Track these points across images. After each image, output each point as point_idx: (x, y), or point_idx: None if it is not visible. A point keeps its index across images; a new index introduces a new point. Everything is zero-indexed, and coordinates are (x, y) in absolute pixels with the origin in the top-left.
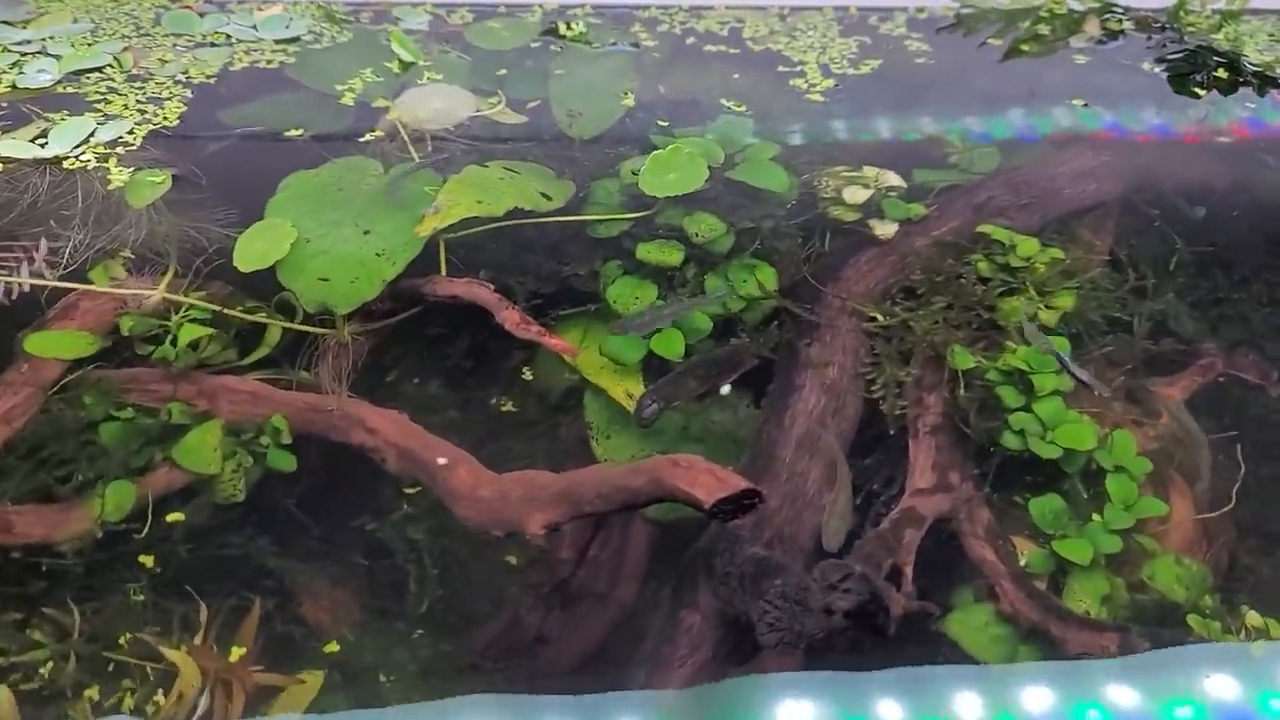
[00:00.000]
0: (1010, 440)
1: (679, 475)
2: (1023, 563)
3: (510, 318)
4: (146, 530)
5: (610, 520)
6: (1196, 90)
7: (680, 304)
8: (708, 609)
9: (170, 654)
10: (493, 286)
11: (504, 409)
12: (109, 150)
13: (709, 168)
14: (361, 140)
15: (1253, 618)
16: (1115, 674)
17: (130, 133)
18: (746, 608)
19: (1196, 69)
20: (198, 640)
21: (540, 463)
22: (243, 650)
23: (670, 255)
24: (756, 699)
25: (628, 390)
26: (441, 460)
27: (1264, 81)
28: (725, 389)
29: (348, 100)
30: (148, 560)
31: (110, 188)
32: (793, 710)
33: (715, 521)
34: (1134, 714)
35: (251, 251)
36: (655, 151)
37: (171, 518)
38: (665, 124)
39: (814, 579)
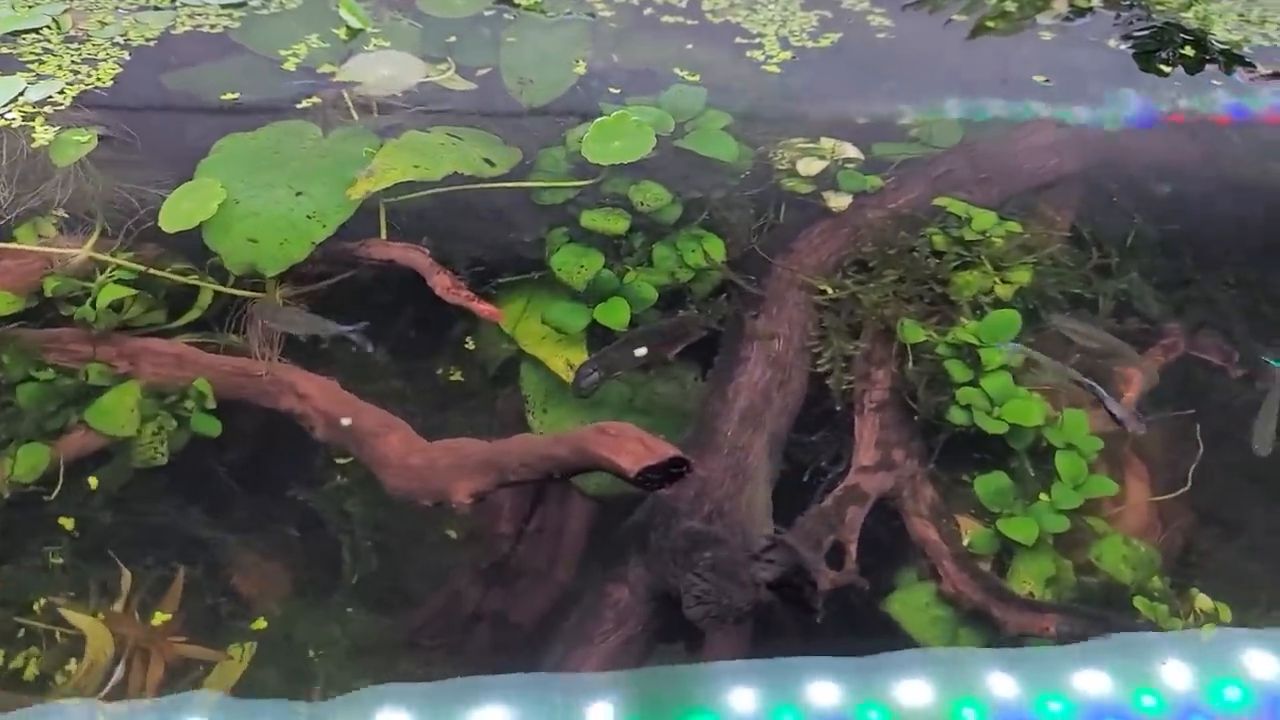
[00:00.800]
0: (957, 416)
1: (605, 443)
2: (966, 542)
3: (441, 282)
4: (62, 493)
5: (550, 495)
6: (1161, 67)
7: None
8: (637, 584)
9: (78, 620)
10: (428, 252)
11: (447, 379)
12: (36, 110)
13: (658, 136)
14: (299, 106)
15: (1203, 601)
16: (1076, 661)
17: (61, 93)
18: (678, 581)
19: (1163, 46)
20: (118, 608)
21: (479, 435)
22: (165, 618)
23: (615, 223)
24: (699, 686)
25: (569, 360)
26: (345, 421)
27: (1231, 60)
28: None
29: (290, 66)
30: (67, 523)
31: (34, 146)
32: (738, 697)
33: (644, 490)
34: (1096, 701)
35: (178, 212)
36: (600, 118)
37: (91, 480)
38: (617, 91)
39: (739, 550)
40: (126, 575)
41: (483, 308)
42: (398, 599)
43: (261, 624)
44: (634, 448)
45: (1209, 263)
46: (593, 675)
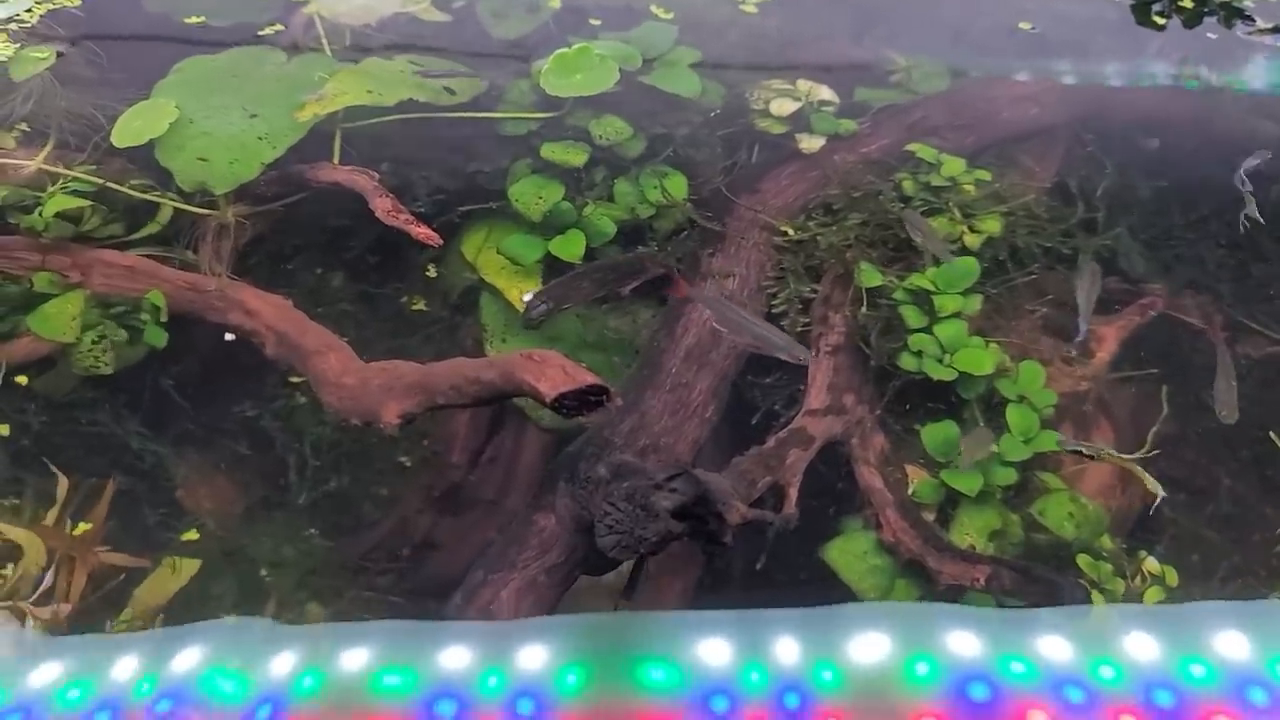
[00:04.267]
0: (908, 362)
1: (528, 368)
2: (910, 491)
3: (382, 205)
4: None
5: (507, 426)
6: (1157, 19)
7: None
8: (564, 513)
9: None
10: (376, 176)
11: (410, 306)
12: (1, 27)
13: (625, 72)
14: (260, 33)
15: (1150, 564)
16: (1047, 626)
17: (28, 11)
18: (595, 510)
19: None
20: (50, 516)
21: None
22: (88, 527)
23: (574, 156)
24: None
25: (522, 292)
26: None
27: (1230, 13)
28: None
29: None
30: (2, 429)
31: None
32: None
33: (562, 416)
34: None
35: (129, 129)
36: (560, 51)
37: (21, 380)
38: (598, 23)
39: (646, 479)
40: (63, 482)
41: (420, 231)
42: (349, 522)
43: (194, 535)
44: (554, 374)
45: (1198, 221)
46: (536, 621)
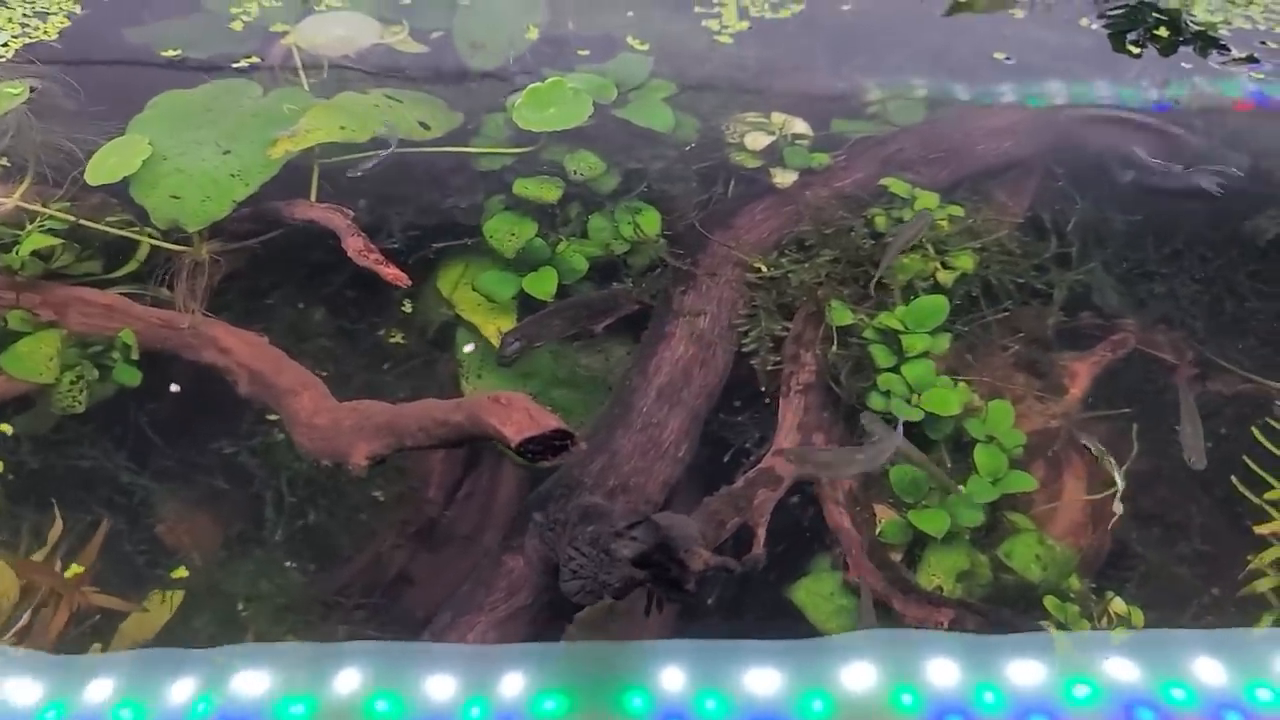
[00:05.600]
0: (876, 402)
1: (494, 411)
2: (877, 532)
3: (354, 244)
4: None
5: (483, 463)
6: (1132, 49)
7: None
8: (532, 555)
9: None
10: (351, 214)
11: (386, 340)
12: None
13: (599, 106)
14: (235, 65)
15: (1117, 605)
16: (1015, 651)
17: (4, 45)
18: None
19: (1134, 25)
20: (39, 555)
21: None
22: (79, 570)
23: (548, 192)
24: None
25: (499, 328)
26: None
27: (1205, 42)
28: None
29: (237, 26)
30: None
31: None
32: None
33: (527, 462)
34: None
35: (103, 167)
36: (533, 85)
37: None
38: (580, 55)
39: (608, 525)
40: (59, 522)
41: (389, 271)
42: (323, 557)
43: (183, 573)
44: (519, 418)
45: (1171, 256)
46: (518, 647)
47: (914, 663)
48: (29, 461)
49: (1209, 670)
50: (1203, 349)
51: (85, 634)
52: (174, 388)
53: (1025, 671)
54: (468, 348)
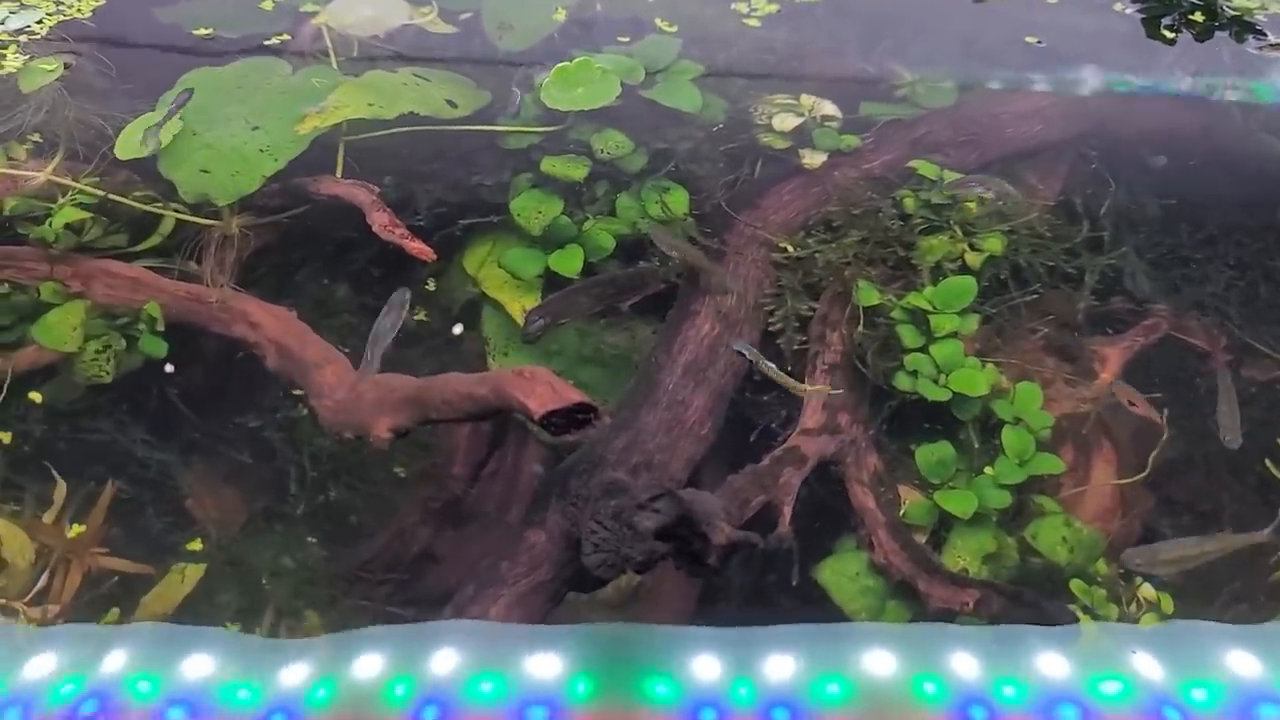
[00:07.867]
0: (903, 381)
1: (518, 385)
2: (901, 513)
3: (379, 219)
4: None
5: (507, 439)
6: (1167, 33)
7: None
8: (554, 530)
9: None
10: (376, 190)
11: (410, 317)
12: (12, 38)
13: (628, 86)
14: (266, 43)
15: (1146, 590)
16: (1041, 644)
17: (39, 22)
18: (583, 528)
19: (1169, 10)
20: (48, 517)
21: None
22: (81, 529)
23: (575, 170)
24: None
25: (524, 306)
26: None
27: (1242, 27)
28: None
29: (268, 6)
30: (4, 437)
31: (4, 73)
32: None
33: (550, 435)
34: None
35: (132, 142)
36: (561, 64)
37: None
38: (605, 36)
39: (631, 499)
40: (60, 486)
41: (414, 246)
42: (347, 533)
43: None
44: (542, 391)
45: (1206, 241)
46: (546, 629)
47: (938, 652)
48: (57, 429)
49: (1241, 662)
50: (1238, 334)
51: (102, 599)
52: (168, 368)
53: (1051, 664)
54: (456, 329)
